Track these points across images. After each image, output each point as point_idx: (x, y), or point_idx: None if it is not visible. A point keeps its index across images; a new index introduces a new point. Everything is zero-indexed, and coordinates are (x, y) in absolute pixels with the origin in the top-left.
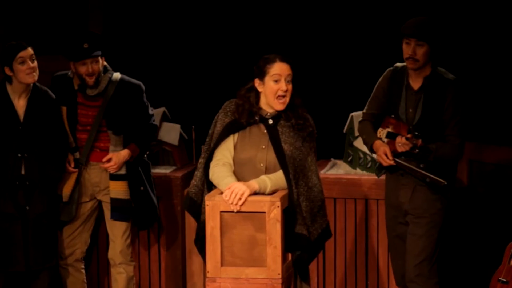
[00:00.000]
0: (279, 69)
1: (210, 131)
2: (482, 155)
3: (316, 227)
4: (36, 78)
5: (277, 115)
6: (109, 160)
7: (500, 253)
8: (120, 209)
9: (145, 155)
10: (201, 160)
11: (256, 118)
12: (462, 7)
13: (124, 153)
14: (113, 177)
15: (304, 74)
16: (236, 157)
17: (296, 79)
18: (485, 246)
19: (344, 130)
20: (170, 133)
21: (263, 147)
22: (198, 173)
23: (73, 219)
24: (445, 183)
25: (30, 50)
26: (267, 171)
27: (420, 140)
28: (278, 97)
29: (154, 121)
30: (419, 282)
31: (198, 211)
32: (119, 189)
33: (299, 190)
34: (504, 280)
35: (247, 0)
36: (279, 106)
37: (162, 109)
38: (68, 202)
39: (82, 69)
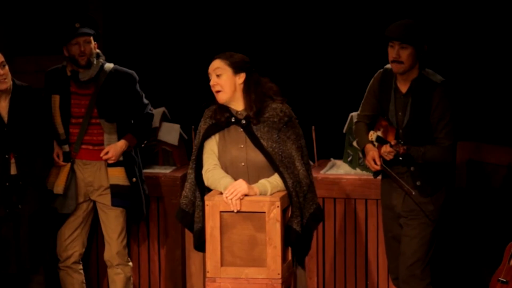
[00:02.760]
0: (209, 67)
1: (195, 141)
2: (482, 155)
3: (304, 212)
4: (8, 84)
5: (247, 112)
6: (107, 153)
7: (500, 253)
8: (120, 195)
9: (143, 144)
10: (190, 171)
11: (229, 114)
12: (459, 6)
13: (121, 144)
14: (111, 163)
15: (304, 74)
16: (219, 159)
17: (296, 79)
18: (485, 246)
19: (344, 130)
20: (170, 133)
21: (242, 146)
22: (187, 184)
23: (72, 217)
24: (413, 193)
25: (0, 57)
26: (249, 169)
27: (402, 148)
28: (215, 92)
29: (150, 110)
30: (412, 283)
31: (191, 222)
32: (118, 175)
33: (294, 178)
34: (504, 280)
35: (247, 1)
36: (218, 99)
37: (162, 109)
38: (64, 195)
39: (75, 49)
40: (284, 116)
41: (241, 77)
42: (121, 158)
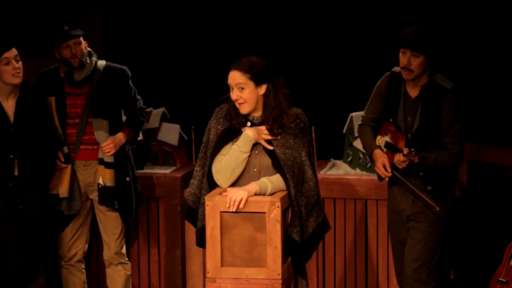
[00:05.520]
0: (229, 78)
1: (204, 139)
2: (482, 155)
3: (311, 221)
4: (21, 78)
5: (264, 120)
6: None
7: (500, 253)
8: (108, 196)
9: (139, 138)
10: (197, 169)
11: (244, 120)
12: (461, 8)
13: (120, 136)
14: (102, 162)
15: (304, 74)
16: None
17: (296, 79)
18: (485, 246)
19: (344, 131)
20: (170, 133)
21: (256, 152)
22: (194, 181)
23: (75, 218)
24: (438, 209)
25: (14, 51)
26: (260, 175)
27: (416, 158)
28: (238, 104)
29: (142, 104)
30: (417, 287)
31: (197, 218)
32: (107, 177)
33: (297, 188)
34: (504, 280)
35: (248, 1)
36: (240, 110)
37: (162, 109)
38: (69, 198)
39: (66, 52)
40: (300, 122)
41: (263, 89)
42: (112, 160)
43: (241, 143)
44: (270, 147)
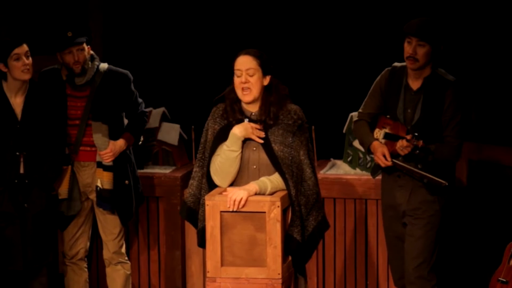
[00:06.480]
0: (239, 63)
1: (202, 139)
2: (482, 155)
3: (310, 220)
4: (31, 74)
5: (261, 114)
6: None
7: (500, 253)
8: (105, 198)
9: (140, 142)
10: (196, 169)
11: (241, 116)
12: (461, 7)
13: (121, 143)
14: (100, 165)
15: (304, 74)
16: None
17: (296, 79)
18: (485, 246)
19: (344, 130)
20: (170, 133)
21: (254, 148)
22: (194, 182)
23: (76, 217)
24: (446, 184)
25: (25, 47)
26: (260, 172)
27: (421, 141)
28: (242, 89)
29: (144, 108)
30: (419, 284)
31: (197, 219)
32: (105, 179)
33: (297, 187)
34: (504, 280)
35: (247, 1)
36: (244, 98)
37: (161, 109)
38: (69, 199)
39: (68, 58)
40: (298, 119)
41: (267, 80)
42: (111, 163)
43: (229, 142)
44: (261, 140)
